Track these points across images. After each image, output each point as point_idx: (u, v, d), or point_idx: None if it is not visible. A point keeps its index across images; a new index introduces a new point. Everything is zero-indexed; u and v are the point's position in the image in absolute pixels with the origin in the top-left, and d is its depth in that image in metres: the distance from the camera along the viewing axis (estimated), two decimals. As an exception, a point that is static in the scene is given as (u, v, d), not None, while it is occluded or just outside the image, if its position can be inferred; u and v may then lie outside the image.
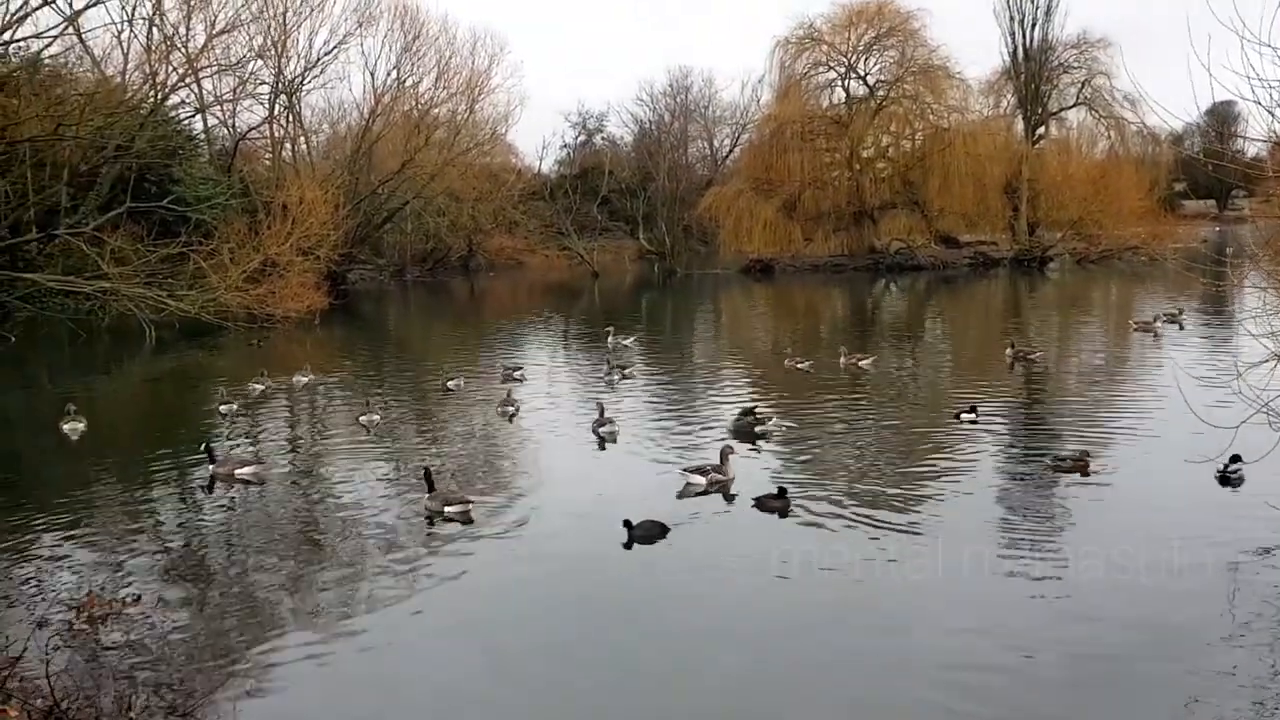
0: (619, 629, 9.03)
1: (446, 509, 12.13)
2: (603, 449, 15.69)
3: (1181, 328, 27.24)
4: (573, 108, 78.69)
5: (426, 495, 12.40)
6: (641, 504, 11.92)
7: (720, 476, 12.96)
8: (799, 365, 22.31)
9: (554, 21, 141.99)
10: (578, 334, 33.42)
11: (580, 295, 51.11)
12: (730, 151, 76.45)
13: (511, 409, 18.19)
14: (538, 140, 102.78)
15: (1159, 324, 27.28)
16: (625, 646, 8.66)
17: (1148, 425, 15.66)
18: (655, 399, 20.09)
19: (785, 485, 12.30)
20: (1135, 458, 13.82)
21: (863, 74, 57.08)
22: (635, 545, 10.82)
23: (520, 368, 22.71)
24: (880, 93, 56.77)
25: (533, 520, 11.95)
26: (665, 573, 10.26)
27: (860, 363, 22.36)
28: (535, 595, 9.79)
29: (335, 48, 46.59)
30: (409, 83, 52.34)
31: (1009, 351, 23.31)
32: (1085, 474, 12.94)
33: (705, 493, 12.76)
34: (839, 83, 57.82)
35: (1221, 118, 57.33)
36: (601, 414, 16.65)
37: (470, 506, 12.23)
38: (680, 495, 12.75)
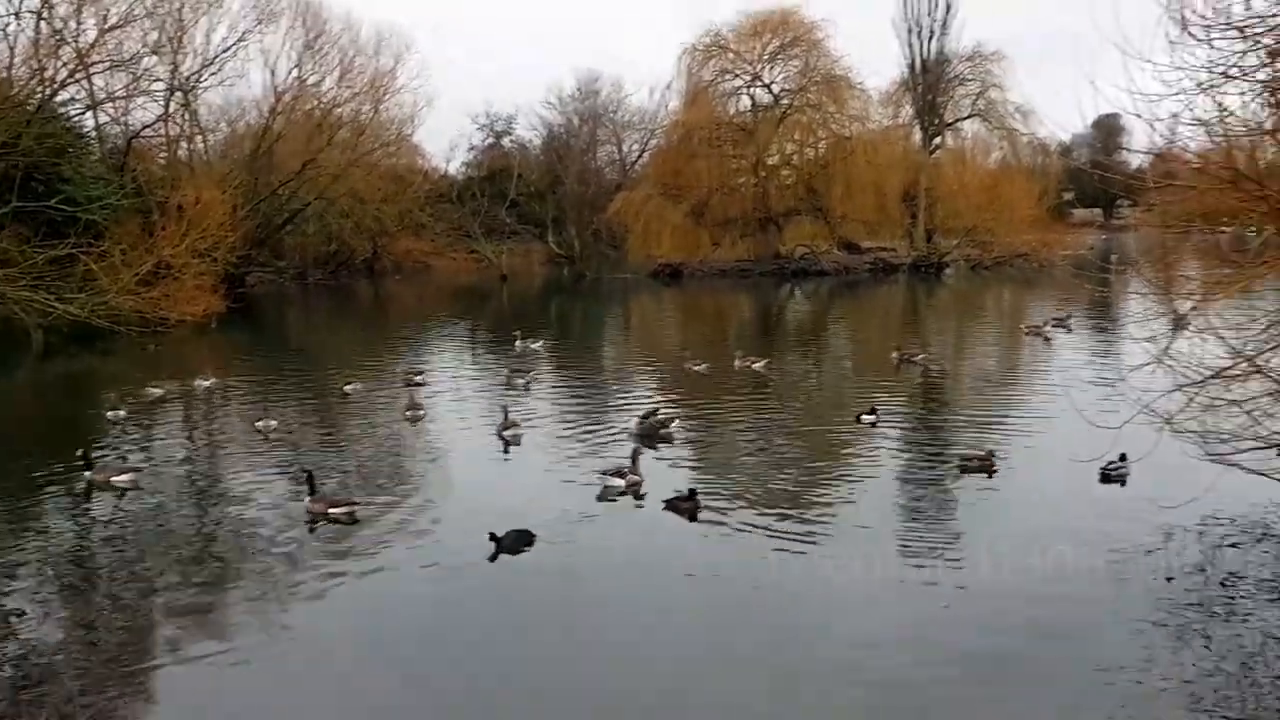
0: (512, 634, 9.03)
1: (331, 511, 12.06)
2: (507, 453, 15.70)
3: (1069, 331, 28.31)
4: (480, 109, 77.67)
5: (308, 498, 12.32)
6: (545, 507, 12.06)
7: (636, 478, 13.10)
8: (696, 368, 22.73)
9: (460, 22, 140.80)
10: (485, 338, 33.26)
11: (489, 298, 50.84)
12: (639, 156, 76.75)
13: (417, 413, 18.09)
14: (445, 142, 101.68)
15: (1049, 328, 28.31)
16: (520, 653, 8.69)
17: (1039, 426, 16.28)
18: (561, 402, 20.15)
19: (695, 487, 12.48)
20: (1027, 457, 14.36)
21: (768, 82, 57.96)
22: (523, 552, 10.72)
23: (421, 372, 22.54)
24: (785, 101, 57.71)
25: (427, 523, 11.97)
26: (573, 575, 10.32)
27: (753, 365, 22.83)
28: (427, 601, 9.77)
29: (234, 45, 45.42)
30: (311, 81, 51.47)
31: (895, 354, 24.03)
32: (990, 473, 13.43)
33: (624, 494, 12.89)
34: (745, 90, 58.62)
35: (1107, 130, 59.89)
36: (506, 418, 16.65)
37: (355, 508, 12.17)
38: (600, 498, 12.83)
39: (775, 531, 11.29)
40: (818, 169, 57.10)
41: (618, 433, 16.37)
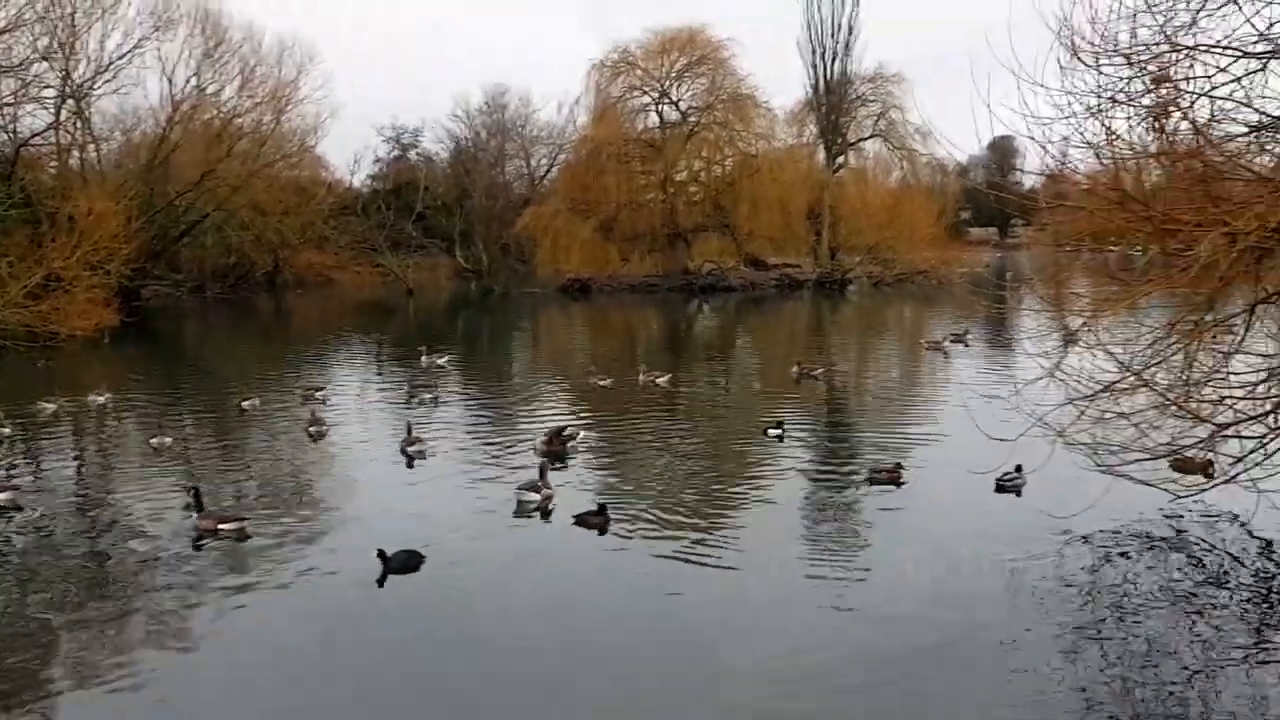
0: (407, 655, 8.88)
1: (221, 527, 11.80)
2: (411, 467, 15.48)
3: (967, 347, 29.11)
4: (387, 121, 76.75)
5: (196, 515, 12.05)
6: (449, 523, 12.01)
7: (549, 491, 13.07)
8: (601, 382, 22.80)
9: (367, 33, 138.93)
10: (390, 353, 32.77)
11: (394, 313, 50.11)
12: (548, 171, 76.73)
13: (319, 429, 17.73)
14: (350, 153, 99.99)
15: (947, 343, 29.07)
16: (423, 670, 8.55)
17: (940, 438, 16.69)
18: (467, 418, 19.95)
19: (605, 502, 12.47)
20: (929, 469, 14.66)
21: (675, 100, 58.53)
22: (413, 572, 10.50)
23: (322, 388, 22.10)
24: (692, 119, 58.32)
25: (323, 539, 11.78)
26: (480, 591, 10.18)
27: (657, 380, 22.98)
28: (321, 619, 9.53)
29: (130, 52, 44.24)
30: (210, 90, 50.36)
31: (795, 369, 24.43)
32: (899, 485, 13.70)
33: (538, 509, 12.83)
34: (653, 107, 59.10)
35: (1002, 152, 61.86)
36: (409, 433, 16.44)
37: (245, 524, 11.93)
38: (516, 513, 12.74)
39: (686, 546, 11.32)
40: (725, 186, 57.83)
41: (523, 448, 16.25)
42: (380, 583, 10.29)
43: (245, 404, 20.35)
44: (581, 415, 19.52)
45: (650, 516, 12.48)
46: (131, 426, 19.47)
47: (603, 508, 12.25)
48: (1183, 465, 11.45)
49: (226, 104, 51.15)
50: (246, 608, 9.76)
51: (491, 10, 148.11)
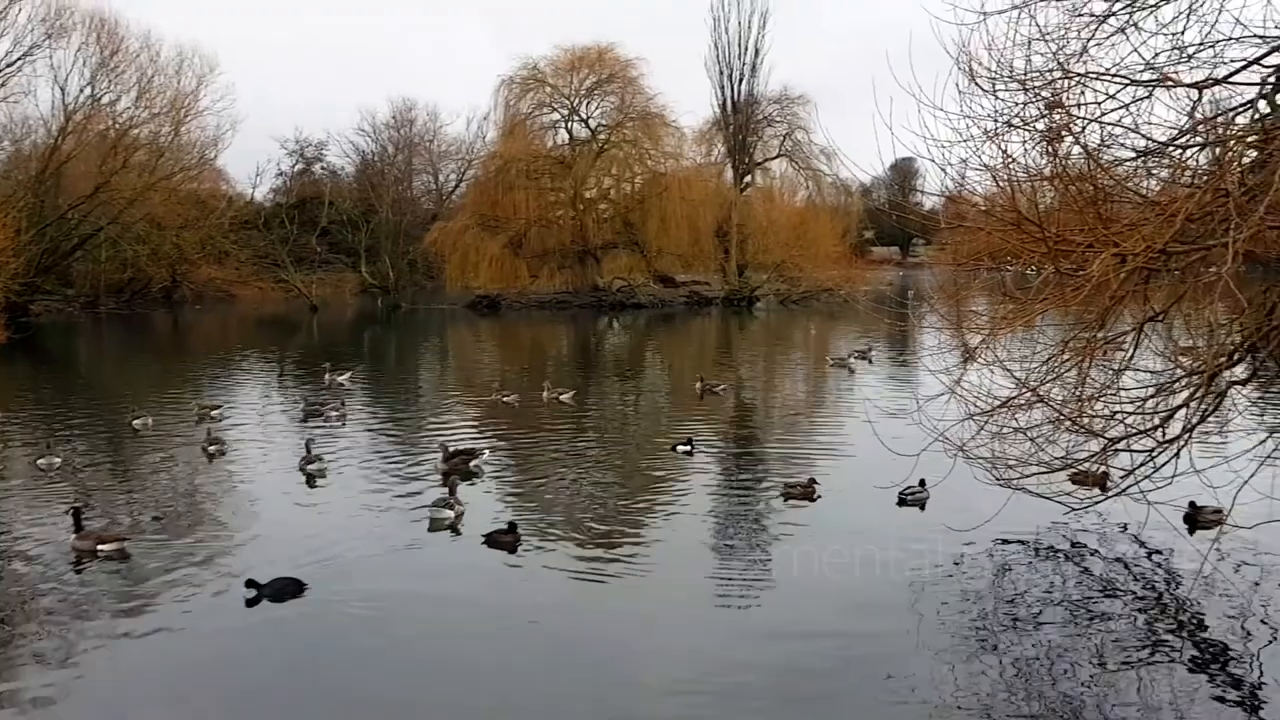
0: (309, 677, 8.64)
1: (100, 548, 11.44)
2: (312, 487, 15.17)
3: (871, 363, 29.69)
4: (290, 134, 75.39)
5: (74, 536, 11.67)
6: (348, 542, 11.83)
7: (461, 508, 12.99)
8: (506, 399, 22.74)
9: (270, 45, 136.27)
10: (293, 370, 32.03)
11: (297, 330, 49.02)
12: (456, 187, 76.15)
13: (216, 448, 17.24)
14: (252, 167, 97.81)
15: (852, 360, 29.59)
16: (311, 695, 8.34)
17: (845, 453, 16.95)
18: (370, 436, 19.59)
19: (515, 520, 12.34)
20: (833, 484, 14.82)
21: (585, 117, 58.69)
22: (290, 600, 10.16)
23: (217, 406, 21.49)
24: (602, 136, 58.51)
25: (213, 560, 11.45)
26: (388, 611, 9.97)
27: (561, 397, 22.96)
28: (208, 642, 9.27)
29: (20, 59, 42.58)
30: (105, 100, 48.76)
31: (698, 384, 24.60)
32: (813, 499, 13.84)
33: (451, 525, 12.70)
34: (563, 124, 59.16)
35: (903, 173, 63.59)
36: (309, 451, 16.15)
37: (126, 544, 11.62)
38: (430, 529, 12.64)
39: (597, 563, 11.29)
40: (634, 203, 58.11)
41: (426, 467, 16.03)
42: (250, 603, 9.99)
43: (137, 422, 19.68)
44: (487, 433, 19.37)
45: (561, 533, 12.41)
46: (18, 447, 18.61)
47: (513, 526, 12.13)
48: (1081, 479, 11.82)
49: (123, 114, 49.75)
50: (126, 632, 9.41)
51: (399, 25, 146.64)
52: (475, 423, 20.89)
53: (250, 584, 10.18)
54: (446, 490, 13.48)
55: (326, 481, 15.31)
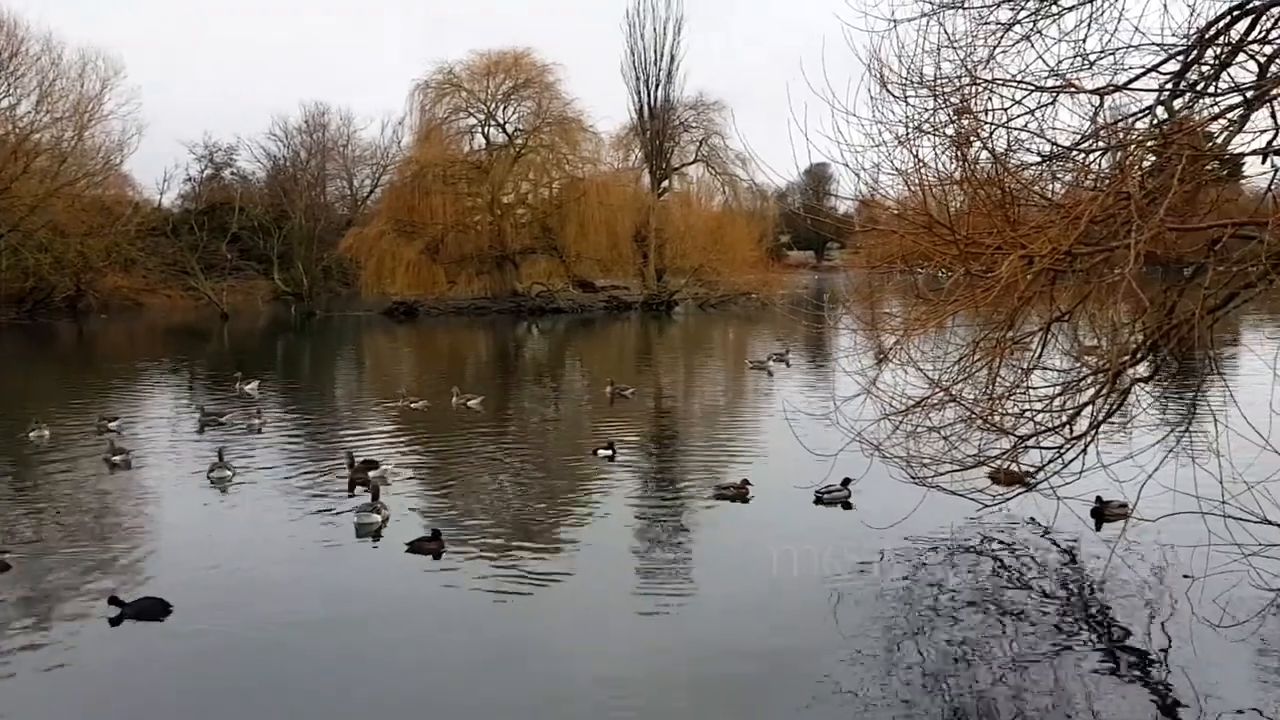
0: (222, 695, 8.46)
1: None
2: (225, 492, 14.91)
3: (789, 365, 30.03)
4: (199, 139, 73.41)
5: None
6: (264, 551, 11.67)
7: (387, 512, 12.94)
8: (413, 405, 22.62)
9: (178, 48, 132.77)
10: (203, 380, 31.20)
11: (207, 338, 47.77)
12: (371, 192, 75.07)
13: (120, 459, 16.73)
14: (159, 172, 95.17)
15: (770, 362, 29.90)
16: (224, 708, 8.16)
17: (765, 454, 17.10)
18: (280, 444, 19.22)
19: (439, 527, 12.20)
20: (756, 485, 14.98)
21: (502, 122, 58.31)
22: (155, 620, 9.82)
23: (115, 418, 20.86)
24: (519, 141, 58.20)
25: (113, 572, 11.12)
26: (310, 622, 9.78)
27: (469, 403, 22.85)
28: (109, 658, 9.00)
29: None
30: (5, 105, 47.03)
31: (608, 389, 24.65)
32: (745, 500, 13.91)
33: (380, 529, 12.63)
34: (479, 129, 58.71)
35: (818, 178, 64.44)
36: (221, 458, 15.83)
37: (5, 556, 11.30)
38: (359, 535, 12.58)
39: (520, 570, 11.17)
40: (553, 208, 57.89)
41: (336, 475, 15.79)
42: (115, 622, 9.67)
43: (34, 434, 18.97)
44: (396, 440, 19.15)
45: (485, 540, 12.29)
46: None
47: (437, 533, 11.98)
48: (999, 477, 12.03)
49: (23, 119, 48.00)
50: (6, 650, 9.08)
51: (310, 29, 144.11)
52: (383, 430, 20.58)
53: (114, 601, 9.82)
54: (370, 495, 13.35)
55: (235, 490, 15.00)
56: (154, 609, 9.87)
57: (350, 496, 14.27)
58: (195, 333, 50.12)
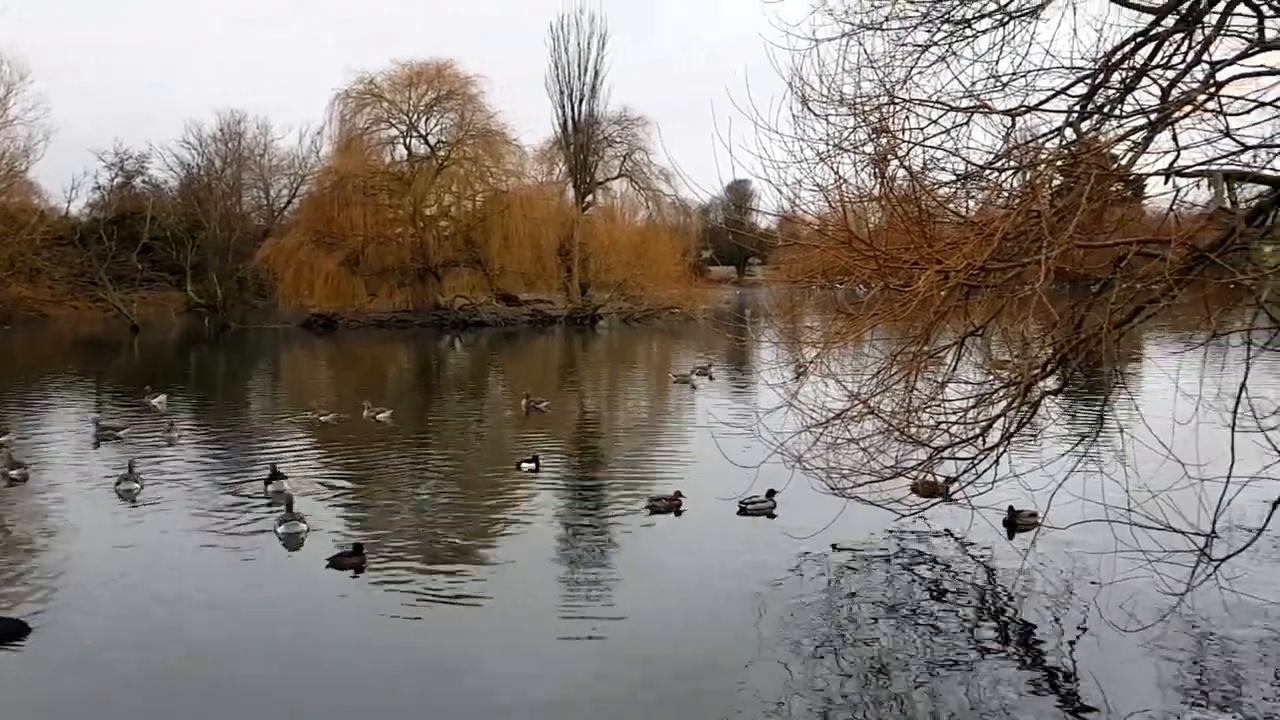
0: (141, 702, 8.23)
1: None
2: (134, 505, 14.57)
3: (712, 379, 30.24)
4: (109, 146, 71.37)
5: None
6: (162, 563, 11.51)
7: (307, 524, 12.89)
8: (323, 419, 22.36)
9: (90, 55, 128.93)
10: (110, 393, 30.27)
11: (116, 351, 46.37)
12: (289, 202, 73.72)
13: (16, 472, 16.24)
14: (67, 180, 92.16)
15: (694, 376, 30.08)
16: None
17: (689, 467, 17.15)
18: (192, 457, 18.77)
19: (360, 541, 12.01)
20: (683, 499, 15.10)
21: (424, 133, 57.87)
22: (23, 638, 9.47)
23: (7, 431, 20.16)
24: (442, 153, 57.79)
25: (15, 585, 10.76)
26: (226, 638, 9.54)
27: (379, 416, 22.63)
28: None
29: None
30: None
31: (524, 402, 24.60)
32: (678, 513, 13.92)
33: (305, 537, 12.57)
34: (401, 140, 58.18)
35: (740, 194, 65.05)
36: (131, 471, 15.47)
37: None
38: (289, 547, 12.47)
39: (441, 585, 11.06)
40: (476, 221, 57.60)
41: (246, 488, 15.56)
42: None
43: None
44: (308, 453, 18.82)
45: (407, 555, 12.12)
46: None
47: (358, 547, 11.78)
48: (920, 488, 12.24)
49: (-81, 123, 46.08)
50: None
51: (226, 36, 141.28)
52: (292, 444, 20.18)
53: None
54: (284, 507, 13.18)
55: (144, 503, 14.64)
56: (10, 629, 9.45)
57: (267, 509, 13.97)
58: (103, 345, 48.64)
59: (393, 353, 46.07)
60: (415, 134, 57.57)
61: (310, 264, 54.06)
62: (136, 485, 15.14)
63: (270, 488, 14.97)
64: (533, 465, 16.73)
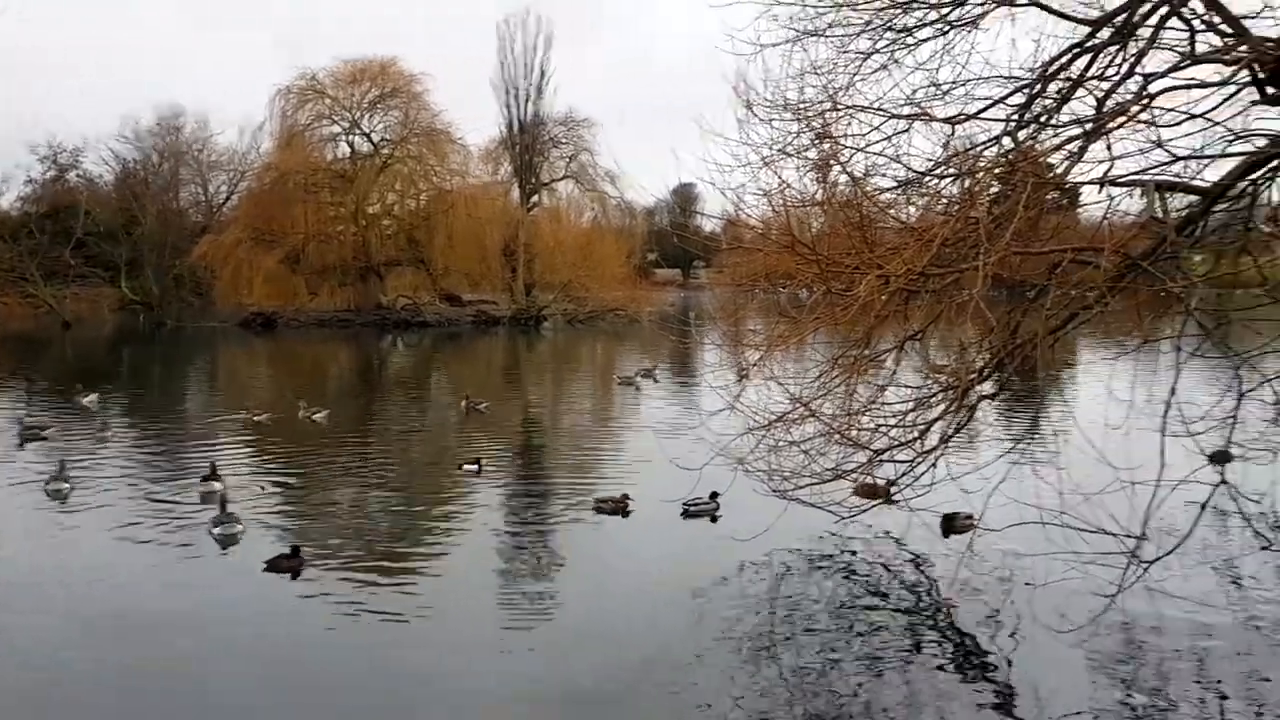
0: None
1: None
2: (64, 506, 14.28)
3: (656, 381, 30.29)
4: (42, 140, 69.53)
5: None
6: (91, 565, 11.24)
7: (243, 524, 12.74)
8: (256, 418, 22.07)
9: (24, 45, 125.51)
10: (41, 391, 29.52)
11: (48, 349, 45.24)
12: (228, 199, 72.39)
13: None
14: None
15: (638, 378, 30.11)
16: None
17: (634, 469, 17.13)
18: (124, 457, 18.40)
19: (298, 544, 11.84)
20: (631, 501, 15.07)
21: (367, 131, 57.33)
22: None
23: None
24: (385, 151, 57.26)
25: None
26: (159, 642, 9.33)
27: (314, 416, 22.38)
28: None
29: None
30: None
31: (463, 403, 24.48)
32: (625, 514, 13.87)
33: (240, 536, 12.41)
34: (344, 137, 57.62)
35: (685, 197, 65.46)
36: (61, 469, 15.14)
37: None
38: (224, 546, 12.32)
39: (382, 587, 10.92)
40: (420, 220, 57.15)
41: (180, 487, 15.31)
42: None
43: None
44: (241, 454, 18.51)
45: (346, 558, 11.94)
46: None
47: (296, 550, 11.60)
48: (864, 490, 12.35)
49: None
50: None
51: (167, 28, 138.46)
52: (226, 444, 19.82)
53: None
54: (218, 507, 13.00)
55: (88, 510, 14.19)
56: None
57: (200, 510, 13.71)
58: (33, 342, 47.46)
59: (333, 352, 45.49)
60: (358, 131, 57.05)
61: (249, 261, 53.24)
62: (66, 485, 14.79)
63: (202, 488, 14.70)
64: (474, 467, 16.58)
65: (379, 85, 56.47)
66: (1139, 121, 8.41)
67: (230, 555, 12.19)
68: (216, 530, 12.57)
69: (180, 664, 9.03)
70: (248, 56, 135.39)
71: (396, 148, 57.04)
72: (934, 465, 10.40)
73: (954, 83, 9.67)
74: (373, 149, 57.30)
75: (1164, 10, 8.43)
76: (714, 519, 13.58)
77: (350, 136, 57.20)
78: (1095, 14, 9.10)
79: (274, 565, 11.43)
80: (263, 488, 15.61)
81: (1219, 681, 8.52)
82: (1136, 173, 8.77)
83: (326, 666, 9.06)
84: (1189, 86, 8.48)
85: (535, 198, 65.07)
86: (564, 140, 64.70)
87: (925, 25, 9.73)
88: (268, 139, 60.13)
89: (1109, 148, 8.68)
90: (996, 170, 9.15)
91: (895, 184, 9.84)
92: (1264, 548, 11.85)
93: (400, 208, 59.00)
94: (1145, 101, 8.27)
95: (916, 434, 10.31)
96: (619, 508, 14.08)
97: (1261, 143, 8.80)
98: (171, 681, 8.68)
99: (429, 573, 11.69)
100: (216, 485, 14.56)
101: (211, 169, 73.36)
